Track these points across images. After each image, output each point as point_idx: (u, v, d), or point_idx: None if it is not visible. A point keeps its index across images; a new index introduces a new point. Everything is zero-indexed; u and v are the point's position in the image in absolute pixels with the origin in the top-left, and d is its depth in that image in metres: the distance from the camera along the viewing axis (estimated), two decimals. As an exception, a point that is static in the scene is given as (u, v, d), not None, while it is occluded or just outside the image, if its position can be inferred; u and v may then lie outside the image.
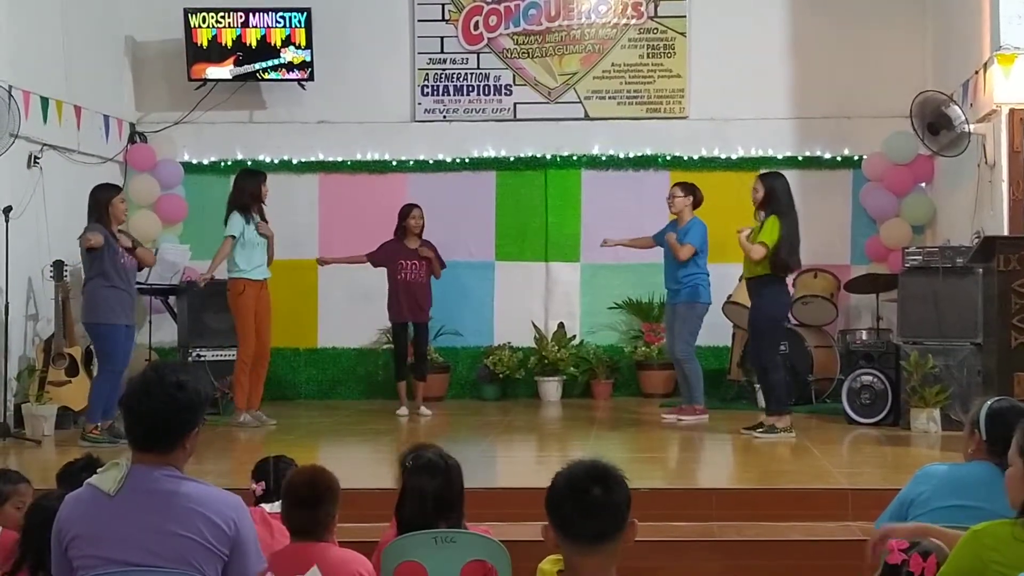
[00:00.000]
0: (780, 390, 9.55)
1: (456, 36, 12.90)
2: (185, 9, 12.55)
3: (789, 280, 9.89)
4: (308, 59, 12.62)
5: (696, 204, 10.58)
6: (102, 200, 9.47)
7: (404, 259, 11.07)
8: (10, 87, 9.84)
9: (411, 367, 11.34)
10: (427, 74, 12.93)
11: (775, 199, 9.43)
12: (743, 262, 9.66)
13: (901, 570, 3.75)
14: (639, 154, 12.70)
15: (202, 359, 11.30)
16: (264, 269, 10.46)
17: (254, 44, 12.63)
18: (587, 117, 12.85)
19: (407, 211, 11.18)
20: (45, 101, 10.91)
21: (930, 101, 10.63)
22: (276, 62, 12.66)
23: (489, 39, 12.89)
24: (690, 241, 10.35)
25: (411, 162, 12.86)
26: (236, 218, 10.34)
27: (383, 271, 11.17)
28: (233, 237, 10.29)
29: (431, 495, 4.61)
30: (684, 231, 10.44)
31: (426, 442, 4.90)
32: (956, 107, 10.42)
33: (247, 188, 10.45)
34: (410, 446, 4.82)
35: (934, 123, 10.53)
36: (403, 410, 11.11)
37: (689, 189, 10.62)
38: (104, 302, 9.34)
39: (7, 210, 9.90)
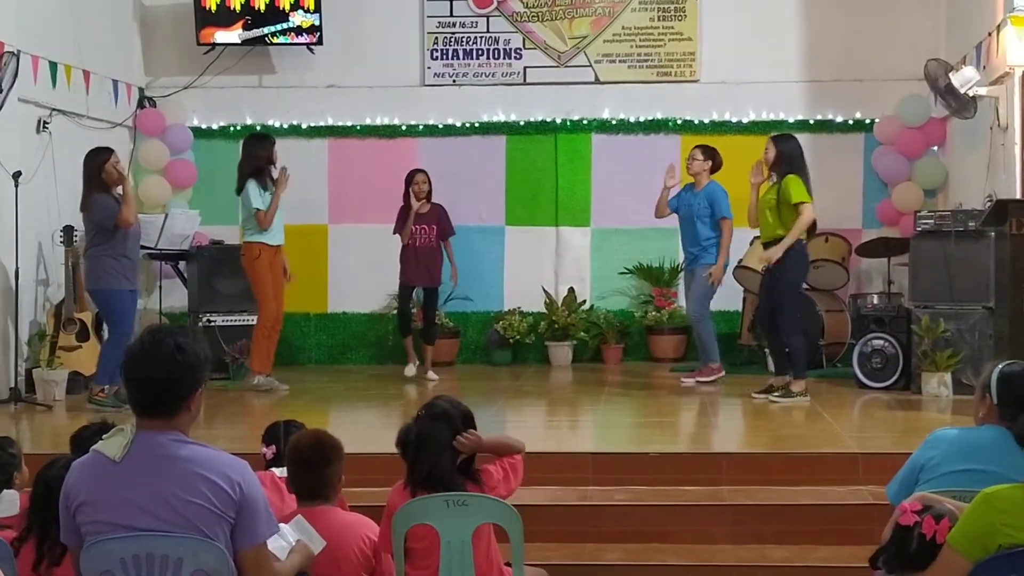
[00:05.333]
0: (800, 355, 9.54)
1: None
2: (193, -27, 12.49)
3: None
4: (317, 23, 12.55)
5: (715, 169, 10.55)
6: (94, 166, 9.38)
7: (413, 224, 11.06)
8: (18, 51, 9.80)
9: (420, 332, 11.36)
10: (437, 38, 12.86)
11: (787, 160, 9.39)
12: (761, 224, 9.59)
13: (913, 531, 3.75)
14: (650, 118, 12.64)
15: (212, 324, 11.31)
16: (280, 235, 10.43)
17: (263, 8, 12.57)
18: (597, 81, 12.78)
19: (411, 176, 11.16)
20: (54, 66, 10.88)
21: (938, 68, 10.60)
22: (285, 26, 12.60)
23: (499, 2, 12.80)
24: (723, 214, 10.35)
25: (421, 127, 12.81)
26: (254, 188, 10.26)
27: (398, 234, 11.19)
28: (259, 210, 10.21)
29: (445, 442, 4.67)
30: (709, 200, 10.37)
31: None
32: (959, 73, 10.37)
33: (261, 154, 10.38)
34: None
35: (946, 84, 10.51)
36: (410, 368, 11.16)
37: (709, 153, 10.58)
38: (107, 268, 9.29)
39: (17, 175, 9.88)
